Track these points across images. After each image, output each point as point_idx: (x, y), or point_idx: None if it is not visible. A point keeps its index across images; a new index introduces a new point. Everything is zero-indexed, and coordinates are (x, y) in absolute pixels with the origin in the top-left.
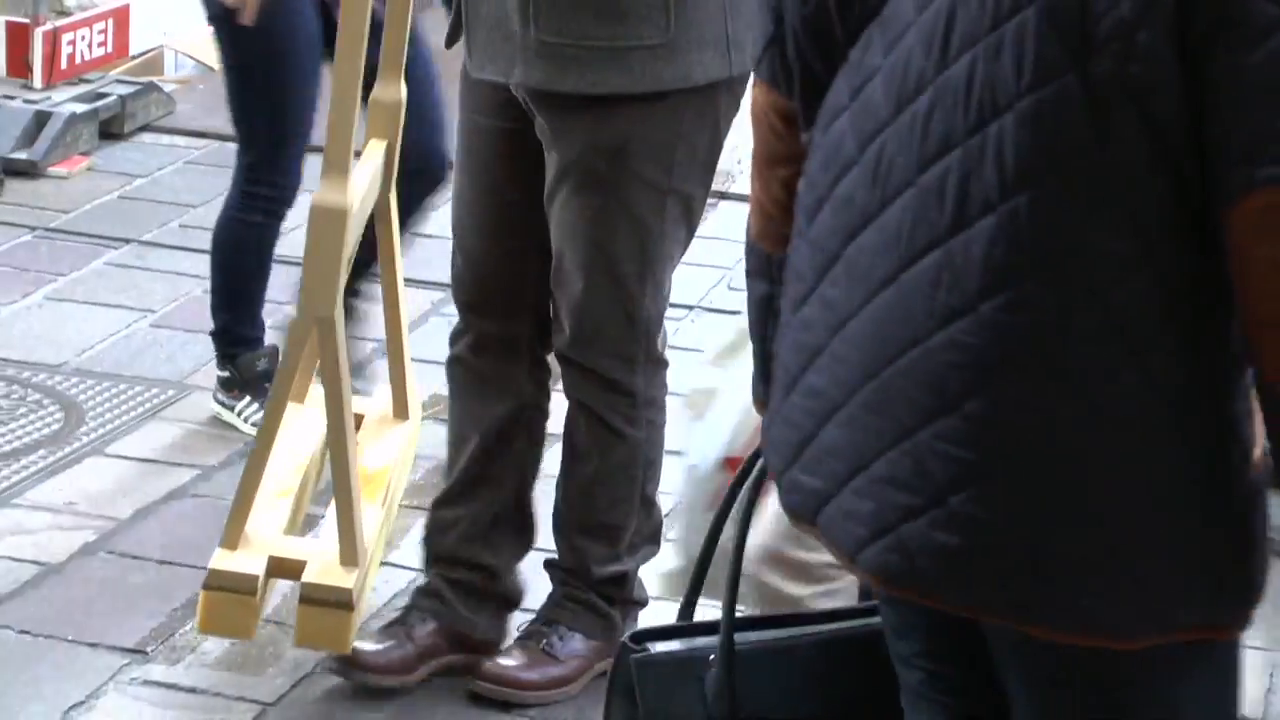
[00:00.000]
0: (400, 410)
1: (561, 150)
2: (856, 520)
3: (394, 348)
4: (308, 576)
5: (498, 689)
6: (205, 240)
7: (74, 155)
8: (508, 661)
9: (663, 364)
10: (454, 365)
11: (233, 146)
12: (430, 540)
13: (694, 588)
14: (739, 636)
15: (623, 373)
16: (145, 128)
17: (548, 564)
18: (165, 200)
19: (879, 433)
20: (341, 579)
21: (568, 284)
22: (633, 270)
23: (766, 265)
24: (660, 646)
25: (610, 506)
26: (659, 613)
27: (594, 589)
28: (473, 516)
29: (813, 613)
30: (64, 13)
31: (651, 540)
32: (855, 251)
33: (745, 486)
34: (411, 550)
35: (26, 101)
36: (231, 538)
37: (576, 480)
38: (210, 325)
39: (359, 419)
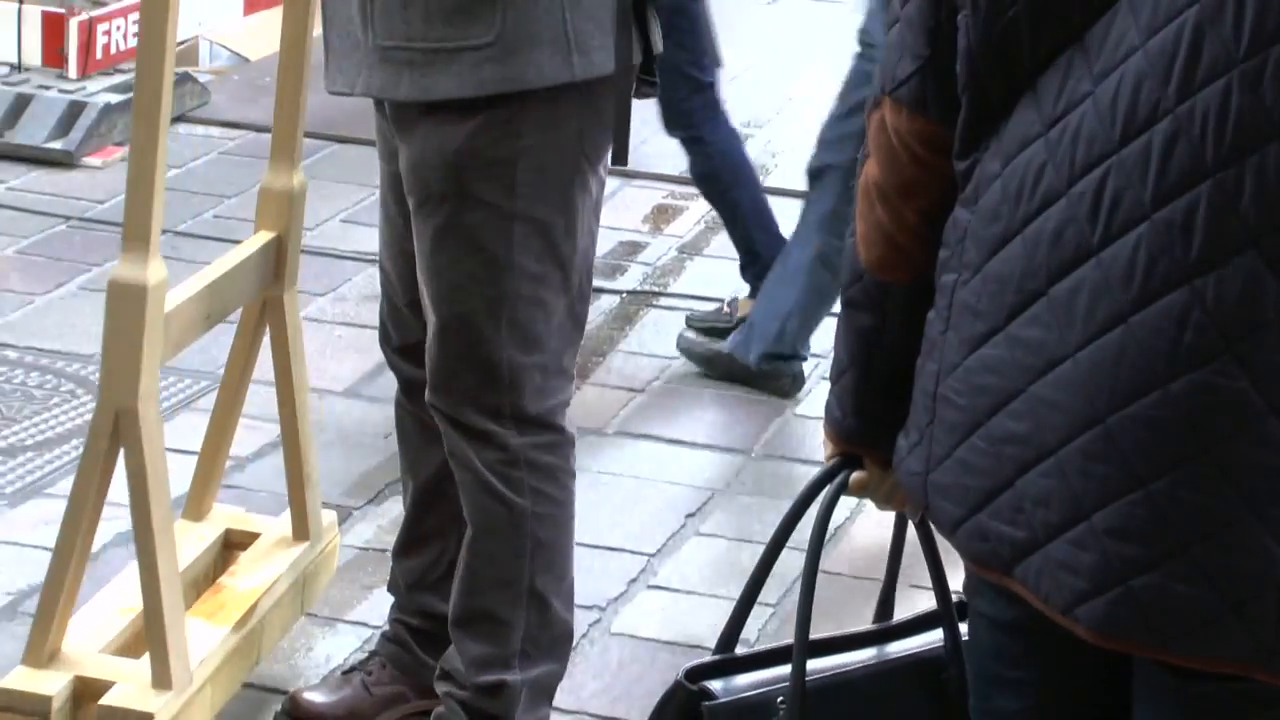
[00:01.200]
0: (300, 532)
1: (403, 166)
2: (1074, 573)
3: (292, 462)
4: (107, 699)
5: None
6: (240, 231)
7: (108, 145)
8: None
9: (551, 428)
10: (396, 410)
11: (267, 137)
12: (390, 586)
13: (737, 619)
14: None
15: (490, 425)
16: (180, 118)
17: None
18: (199, 191)
19: (1104, 482)
20: (145, 703)
21: (427, 321)
22: (480, 306)
23: (880, 297)
24: (717, 685)
25: (489, 589)
26: None
27: (471, 706)
28: (422, 567)
29: (866, 632)
30: (99, 3)
31: (551, 656)
32: (1066, 290)
33: (819, 502)
34: (368, 608)
35: (61, 91)
36: (34, 654)
37: (463, 553)
38: None
39: (251, 538)
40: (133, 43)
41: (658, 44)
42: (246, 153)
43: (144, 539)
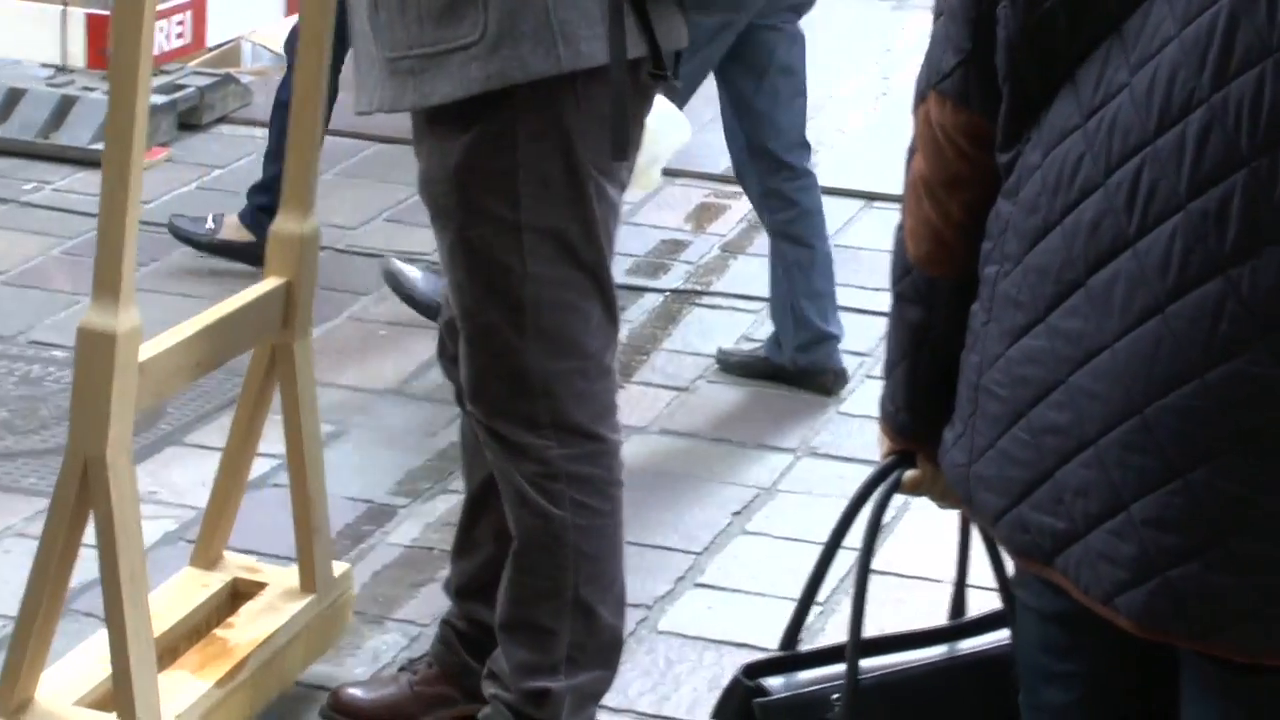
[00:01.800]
0: (308, 584)
1: (417, 181)
2: (1114, 563)
3: (300, 514)
4: None
5: None
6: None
7: (153, 146)
8: None
9: (593, 438)
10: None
11: None
12: (445, 586)
13: (802, 608)
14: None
15: (527, 437)
16: (223, 119)
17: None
18: (242, 191)
19: (1142, 472)
20: None
21: (459, 333)
22: (501, 318)
23: (929, 291)
24: (774, 682)
25: (533, 599)
26: None
27: (516, 709)
28: (469, 573)
29: (924, 631)
30: None
31: (599, 663)
32: (1103, 281)
33: (873, 500)
34: (415, 606)
35: (106, 93)
36: (2, 703)
37: (508, 561)
38: None
39: (258, 587)
40: (176, 43)
41: (675, 38)
42: None
43: (111, 592)
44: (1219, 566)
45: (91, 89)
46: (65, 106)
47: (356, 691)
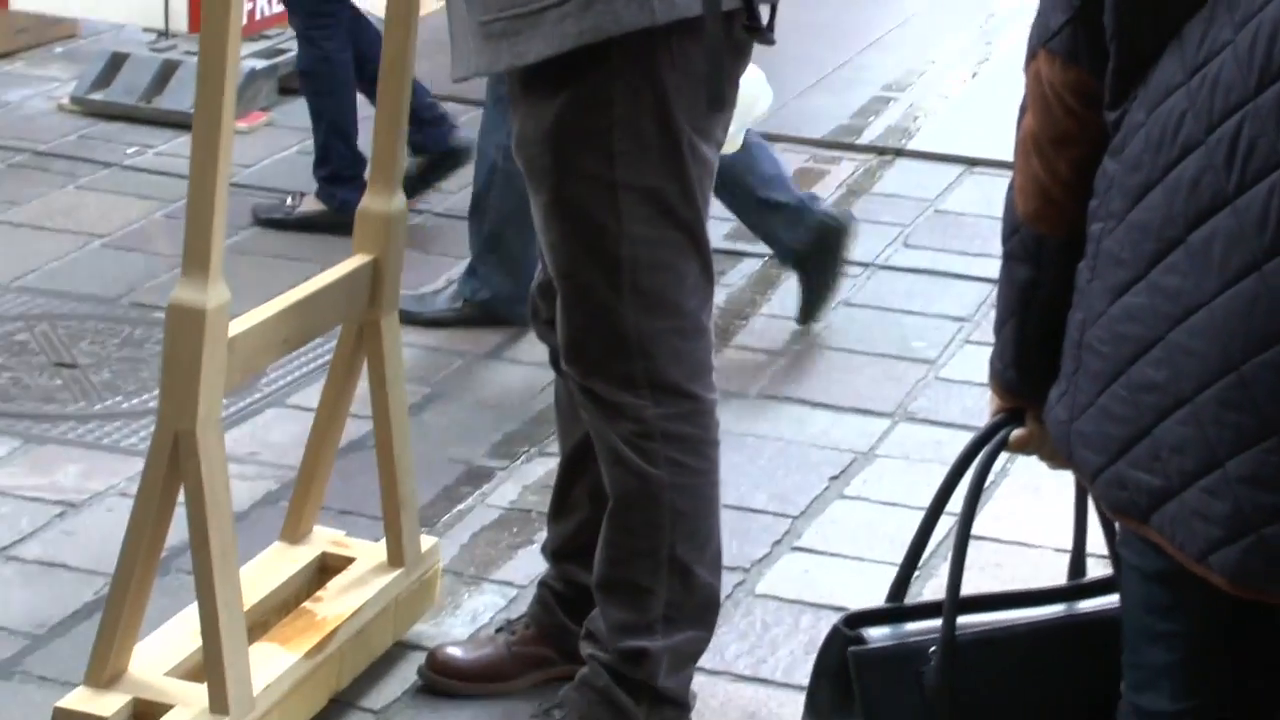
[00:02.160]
0: (395, 558)
1: (512, 144)
2: (1208, 520)
3: (388, 488)
4: None
5: None
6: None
7: (254, 111)
8: None
9: (690, 397)
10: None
11: None
12: (542, 548)
13: (909, 563)
14: (958, 620)
15: (623, 396)
16: None
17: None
18: None
19: (1237, 429)
20: None
21: (557, 294)
22: (598, 278)
23: (1036, 248)
24: (874, 632)
25: (629, 559)
26: None
27: (614, 669)
28: (564, 535)
29: (1028, 591)
30: None
31: (696, 623)
32: (1202, 238)
33: (978, 460)
34: (513, 567)
35: None
36: (94, 673)
37: (605, 520)
38: None
39: (346, 561)
40: (278, 8)
41: None
42: None
43: (201, 564)
44: None
45: (194, 54)
46: (167, 71)
47: (454, 651)
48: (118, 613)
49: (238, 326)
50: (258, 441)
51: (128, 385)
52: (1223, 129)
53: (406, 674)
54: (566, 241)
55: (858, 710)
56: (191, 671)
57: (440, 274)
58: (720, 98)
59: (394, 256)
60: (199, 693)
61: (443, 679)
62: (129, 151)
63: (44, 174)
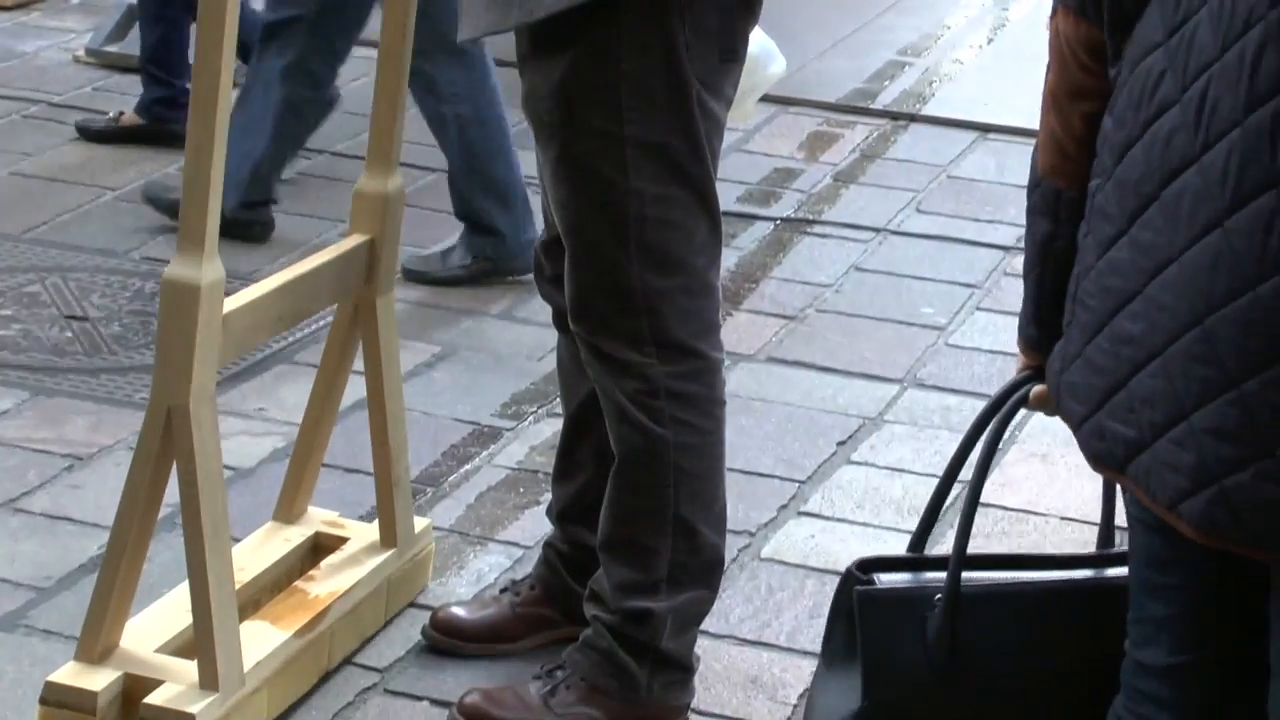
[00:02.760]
0: (388, 539)
1: (521, 101)
2: (1176, 471)
3: (381, 468)
4: (151, 698)
5: None
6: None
7: None
8: (499, 701)
9: (695, 355)
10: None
11: None
12: (548, 510)
13: (928, 518)
14: (967, 575)
15: (629, 354)
16: None
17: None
18: (356, 112)
19: (1202, 382)
20: (188, 704)
21: (565, 252)
22: (605, 234)
23: (1054, 203)
24: (886, 578)
25: (634, 517)
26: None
27: (618, 630)
28: (569, 496)
29: (1044, 555)
30: None
31: (700, 583)
32: (1173, 194)
33: (995, 419)
34: (519, 528)
35: None
36: (85, 648)
37: (610, 479)
38: None
39: (340, 541)
40: None
41: None
42: None
43: (193, 541)
44: (1269, 475)
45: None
46: None
47: (459, 611)
48: (109, 588)
49: (231, 304)
50: (266, 398)
51: (138, 339)
52: (1194, 88)
53: (410, 633)
54: (575, 197)
55: (859, 651)
56: (182, 648)
57: (451, 232)
58: (734, 48)
59: (390, 237)
60: (189, 669)
61: (446, 639)
62: None
63: (58, 125)
